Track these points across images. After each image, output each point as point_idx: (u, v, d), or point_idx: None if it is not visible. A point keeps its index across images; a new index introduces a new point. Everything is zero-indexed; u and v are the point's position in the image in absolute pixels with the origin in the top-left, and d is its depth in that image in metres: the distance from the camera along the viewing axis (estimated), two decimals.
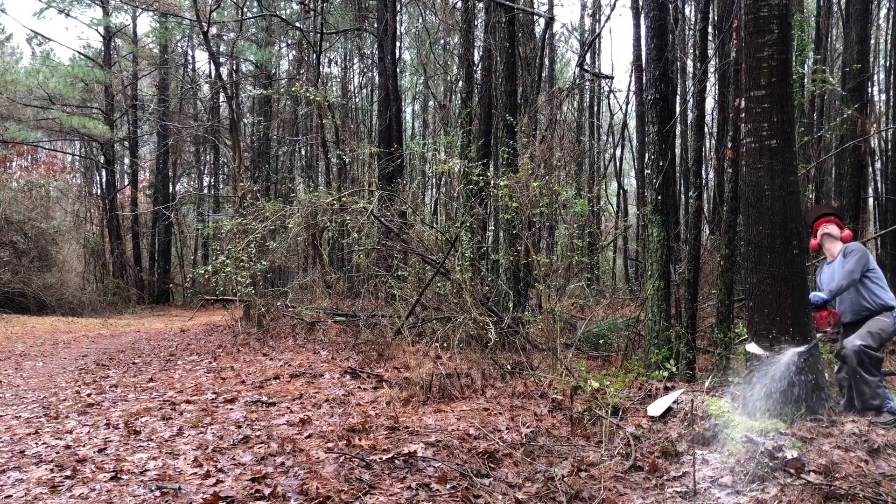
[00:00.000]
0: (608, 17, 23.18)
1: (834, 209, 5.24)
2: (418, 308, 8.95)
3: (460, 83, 17.32)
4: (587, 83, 21.88)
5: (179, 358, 8.96)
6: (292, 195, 11.65)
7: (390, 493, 3.44)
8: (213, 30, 21.46)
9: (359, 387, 6.29)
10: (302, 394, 5.98)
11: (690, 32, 16.35)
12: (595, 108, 24.20)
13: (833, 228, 4.84)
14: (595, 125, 24.14)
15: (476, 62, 16.10)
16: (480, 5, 15.18)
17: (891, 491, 3.28)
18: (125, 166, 29.12)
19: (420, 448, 4.08)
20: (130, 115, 26.18)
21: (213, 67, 23.63)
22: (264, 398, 5.75)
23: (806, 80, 10.29)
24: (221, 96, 24.19)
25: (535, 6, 17.20)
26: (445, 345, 7.53)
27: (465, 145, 12.69)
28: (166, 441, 4.38)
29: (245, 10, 20.31)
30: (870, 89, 14.43)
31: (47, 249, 20.38)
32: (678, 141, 16.82)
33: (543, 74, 17.75)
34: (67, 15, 24.03)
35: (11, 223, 19.55)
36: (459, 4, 15.96)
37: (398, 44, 19.67)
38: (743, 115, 4.30)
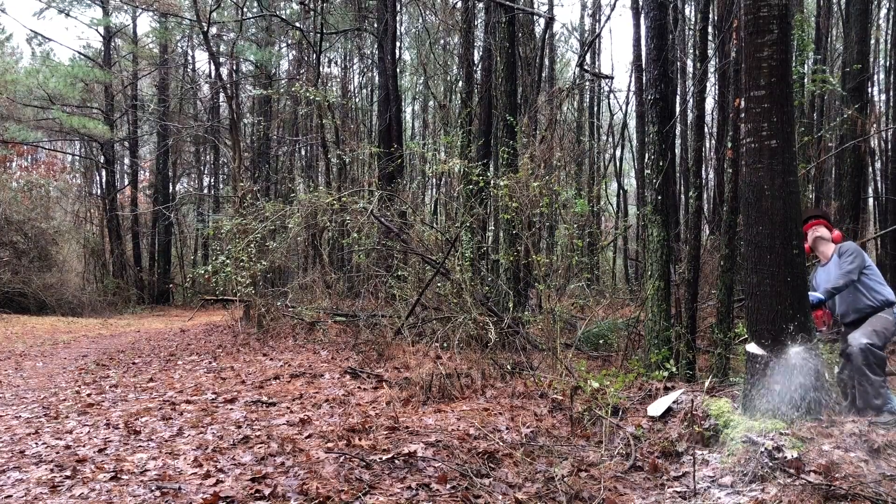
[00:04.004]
0: (608, 17, 23.18)
1: (822, 211, 5.25)
2: (418, 308, 8.95)
3: (460, 83, 17.33)
4: (587, 83, 21.88)
5: (179, 358, 8.96)
6: (292, 195, 11.64)
7: (390, 493, 3.44)
8: (213, 30, 21.47)
9: (359, 387, 6.29)
10: (302, 394, 5.98)
11: (690, 32, 16.35)
12: (595, 108, 24.19)
13: (823, 231, 4.85)
14: (595, 125, 24.14)
15: (476, 62, 16.11)
16: (480, 5, 15.18)
17: (891, 491, 3.27)
18: (125, 166, 29.13)
19: (420, 448, 4.08)
20: (130, 115, 26.18)
21: (213, 67, 23.65)
22: (264, 398, 5.75)
23: (806, 80, 10.30)
24: (221, 96, 24.19)
25: (535, 6, 17.19)
26: (445, 345, 7.53)
27: (465, 145, 12.70)
28: (166, 441, 4.38)
29: (245, 10, 20.31)
30: (870, 89, 14.42)
31: (47, 249, 20.38)
32: (678, 141, 16.82)
33: (543, 74, 17.74)
34: (67, 15, 24.03)
35: (11, 223, 19.55)
36: (459, 4, 15.95)
37: (398, 44, 19.66)
38: (743, 115, 4.30)
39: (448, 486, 3.59)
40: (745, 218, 4.34)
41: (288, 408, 5.42)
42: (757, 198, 4.19)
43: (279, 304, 11.14)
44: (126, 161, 28.24)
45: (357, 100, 25.93)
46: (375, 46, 19.35)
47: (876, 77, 17.96)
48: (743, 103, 4.30)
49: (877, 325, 4.52)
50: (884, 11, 17.82)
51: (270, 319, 10.65)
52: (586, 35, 23.48)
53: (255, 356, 8.49)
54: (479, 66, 15.15)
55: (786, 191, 4.12)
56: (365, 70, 26.35)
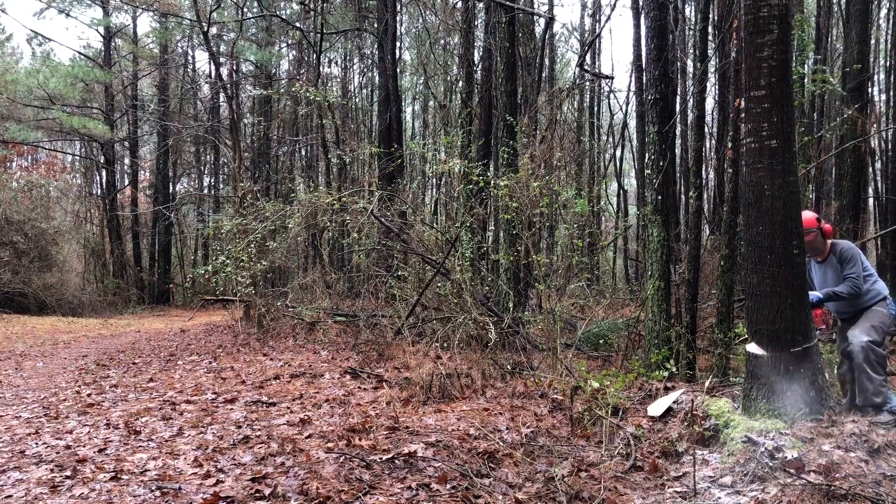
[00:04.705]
0: (608, 17, 23.18)
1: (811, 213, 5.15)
2: (418, 308, 8.95)
3: (460, 83, 17.32)
4: (587, 83, 21.88)
5: (179, 358, 8.96)
6: (292, 195, 11.64)
7: (390, 494, 3.44)
8: (213, 30, 21.47)
9: (359, 387, 6.29)
10: (302, 394, 5.98)
11: (690, 32, 16.34)
12: (595, 108, 24.19)
13: (818, 238, 4.77)
14: (595, 125, 24.13)
15: (476, 62, 16.10)
16: (480, 5, 15.18)
17: (891, 491, 3.27)
18: (125, 166, 29.12)
19: (420, 448, 4.08)
20: (130, 115, 26.17)
21: (213, 67, 23.65)
22: (264, 398, 5.75)
23: (806, 80, 10.28)
24: (221, 96, 24.17)
25: (535, 6, 17.19)
26: (445, 345, 7.53)
27: (465, 145, 12.69)
28: (166, 441, 4.38)
29: (245, 10, 20.31)
30: (870, 89, 14.40)
31: (47, 249, 20.37)
32: (678, 141, 16.82)
33: (543, 74, 17.74)
34: (67, 15, 24.02)
35: (11, 223, 19.54)
36: (459, 4, 15.95)
37: (398, 44, 19.66)
38: (743, 115, 4.30)
39: (448, 486, 3.59)
40: (745, 218, 4.34)
41: (288, 408, 5.42)
42: (757, 198, 4.19)
43: (279, 304, 11.13)
44: (126, 161, 28.24)
45: (357, 100, 25.94)
46: (375, 46, 19.35)
47: (876, 77, 17.95)
48: (743, 103, 4.30)
49: (874, 321, 4.53)
50: (884, 11, 17.82)
51: (270, 319, 10.65)
52: (586, 35, 23.48)
53: (256, 356, 8.49)
54: (479, 66, 15.15)
55: (786, 191, 4.12)
56: (365, 70, 26.35)
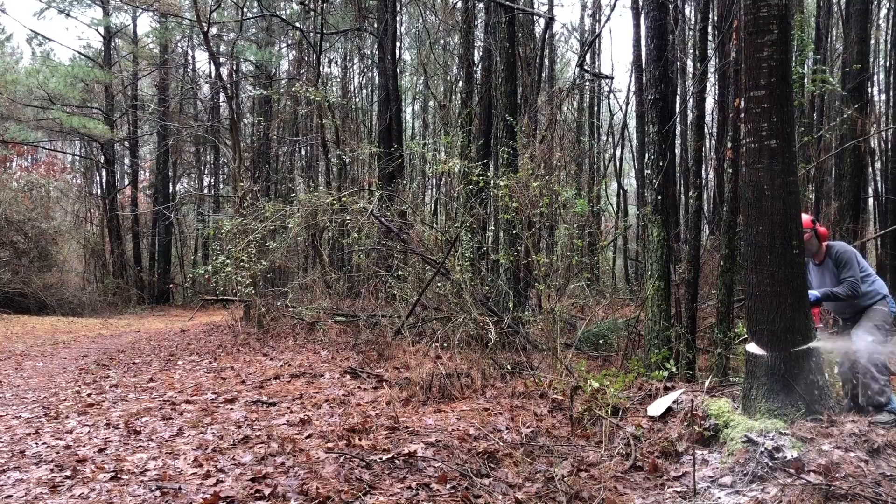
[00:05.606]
0: (608, 18, 23.20)
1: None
2: (418, 308, 8.95)
3: (460, 83, 17.33)
4: (587, 83, 21.87)
5: (179, 358, 8.96)
6: (292, 195, 11.64)
7: (390, 493, 3.44)
8: (213, 30, 21.45)
9: (359, 387, 6.29)
10: (302, 394, 5.98)
11: (690, 32, 16.34)
12: (595, 108, 24.18)
13: (812, 240, 4.78)
14: (595, 125, 24.13)
15: (476, 62, 16.10)
16: (480, 5, 15.18)
17: (891, 491, 3.28)
18: (125, 166, 29.12)
19: (420, 448, 4.08)
20: (130, 115, 26.17)
21: (213, 67, 23.64)
22: (264, 398, 5.75)
23: (806, 80, 10.28)
24: (221, 96, 24.20)
25: (535, 6, 17.20)
26: (445, 345, 7.53)
27: (465, 145, 12.69)
28: (166, 441, 4.38)
29: (245, 10, 20.31)
30: (870, 89, 14.41)
31: (47, 249, 20.38)
32: (678, 141, 16.82)
33: (543, 74, 17.74)
34: (67, 15, 24.03)
35: (11, 223, 19.54)
36: (459, 4, 15.95)
37: (398, 44, 19.66)
38: (743, 115, 4.30)
39: (448, 486, 3.60)
40: (745, 218, 4.34)
41: (288, 408, 5.42)
42: (757, 198, 4.19)
43: (279, 304, 11.13)
44: (126, 161, 28.24)
45: (357, 100, 25.93)
46: (375, 46, 19.35)
47: (876, 77, 17.96)
48: (743, 103, 4.30)
49: (876, 320, 4.55)
50: (884, 11, 17.82)
51: (270, 319, 10.65)
52: (586, 35, 23.48)
53: (256, 356, 8.49)
54: (479, 66, 15.14)
55: (786, 191, 4.12)
56: (365, 70, 26.36)
